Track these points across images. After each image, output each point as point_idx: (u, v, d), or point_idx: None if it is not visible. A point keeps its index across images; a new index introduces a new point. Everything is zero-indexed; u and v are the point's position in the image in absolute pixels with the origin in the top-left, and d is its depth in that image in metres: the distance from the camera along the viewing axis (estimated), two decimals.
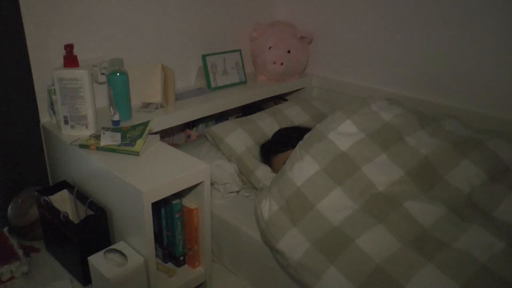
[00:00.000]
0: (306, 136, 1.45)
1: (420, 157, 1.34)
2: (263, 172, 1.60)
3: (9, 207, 1.44)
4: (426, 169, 1.32)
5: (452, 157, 1.33)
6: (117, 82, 1.50)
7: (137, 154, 1.29)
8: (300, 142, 1.43)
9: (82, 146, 1.33)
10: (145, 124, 1.37)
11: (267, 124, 1.80)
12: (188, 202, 1.35)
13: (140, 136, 1.32)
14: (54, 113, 1.47)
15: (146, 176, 1.20)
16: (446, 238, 1.12)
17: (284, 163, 1.43)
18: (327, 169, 1.31)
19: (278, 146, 1.63)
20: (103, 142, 1.32)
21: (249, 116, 1.84)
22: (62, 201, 1.41)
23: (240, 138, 1.68)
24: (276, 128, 1.80)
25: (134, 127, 1.39)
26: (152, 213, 1.17)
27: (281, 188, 1.34)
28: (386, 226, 1.17)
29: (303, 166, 1.33)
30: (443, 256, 1.07)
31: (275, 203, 1.32)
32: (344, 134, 1.38)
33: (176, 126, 1.78)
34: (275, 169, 1.61)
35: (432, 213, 1.19)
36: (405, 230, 1.15)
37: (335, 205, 1.24)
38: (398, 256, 1.09)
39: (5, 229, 1.40)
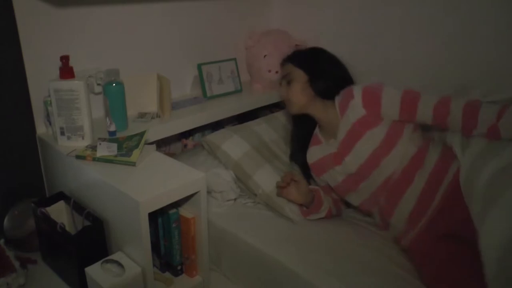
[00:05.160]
0: None
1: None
2: (261, 177, 1.61)
3: (6, 218, 1.44)
4: None
5: None
6: (113, 92, 1.50)
7: (133, 164, 1.30)
8: None
9: (79, 157, 1.33)
10: (141, 134, 1.37)
11: (263, 130, 1.81)
12: (185, 211, 1.36)
13: (136, 146, 1.33)
14: (50, 124, 1.47)
15: (142, 186, 1.20)
16: None
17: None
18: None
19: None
20: (100, 153, 1.32)
21: (244, 123, 1.85)
22: (59, 212, 1.41)
23: (236, 144, 1.68)
24: (272, 133, 1.81)
25: (130, 137, 1.39)
26: (149, 223, 1.18)
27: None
28: None
29: None
30: None
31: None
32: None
33: (172, 136, 1.78)
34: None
35: None
36: None
37: None
38: None
39: (2, 241, 1.40)
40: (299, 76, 1.53)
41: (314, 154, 1.59)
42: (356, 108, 1.41)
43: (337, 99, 1.48)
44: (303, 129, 1.66)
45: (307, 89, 1.51)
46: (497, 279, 1.02)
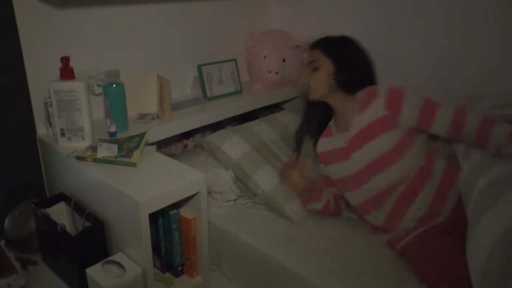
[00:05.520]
0: None
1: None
2: (261, 177, 1.61)
3: (6, 219, 1.44)
4: None
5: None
6: (113, 93, 1.50)
7: (134, 165, 1.30)
8: None
9: (79, 158, 1.33)
10: (142, 135, 1.37)
11: (263, 130, 1.81)
12: (185, 212, 1.36)
13: (136, 147, 1.33)
14: (50, 125, 1.47)
15: (143, 187, 1.21)
16: None
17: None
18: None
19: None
20: (100, 154, 1.32)
21: (244, 124, 1.85)
22: (59, 213, 1.41)
23: (236, 144, 1.69)
24: (272, 133, 1.81)
25: (130, 138, 1.39)
26: (150, 224, 1.18)
27: None
28: None
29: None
30: None
31: None
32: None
33: (172, 136, 1.78)
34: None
35: None
36: None
37: None
38: None
39: (2, 242, 1.40)
40: (327, 66, 1.48)
41: (323, 145, 1.57)
42: (377, 108, 1.39)
43: (359, 94, 1.46)
44: (317, 116, 1.63)
45: (331, 80, 1.47)
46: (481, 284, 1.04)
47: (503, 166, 1.20)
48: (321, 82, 1.48)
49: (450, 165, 1.40)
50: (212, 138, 1.73)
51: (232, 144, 1.68)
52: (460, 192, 1.30)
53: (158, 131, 1.60)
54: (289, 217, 1.52)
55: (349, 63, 1.49)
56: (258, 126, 1.82)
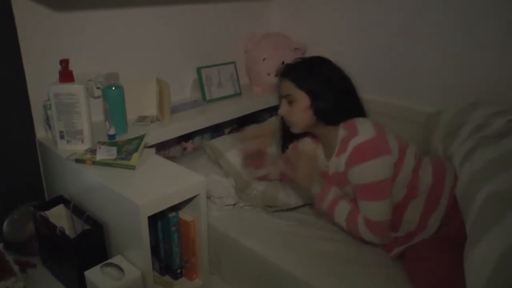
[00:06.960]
0: None
1: None
2: (260, 185, 1.62)
3: (5, 222, 1.44)
4: None
5: None
6: (112, 96, 1.51)
7: (133, 167, 1.30)
8: None
9: (78, 160, 1.33)
10: (141, 137, 1.38)
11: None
12: (184, 214, 1.36)
13: (136, 149, 1.33)
14: (50, 128, 1.47)
15: (142, 189, 1.21)
16: None
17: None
18: None
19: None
20: (99, 157, 1.32)
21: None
22: (58, 216, 1.40)
23: (239, 153, 1.68)
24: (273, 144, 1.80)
25: (130, 140, 1.39)
26: (149, 226, 1.18)
27: None
28: None
29: None
30: None
31: None
32: None
33: (172, 139, 1.79)
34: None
35: None
36: None
37: None
38: None
39: (1, 245, 1.40)
40: (302, 99, 1.38)
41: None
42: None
43: (341, 133, 1.37)
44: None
45: (310, 113, 1.39)
46: None
47: (511, 176, 1.13)
48: (299, 117, 1.41)
49: (436, 179, 1.37)
50: (217, 143, 1.73)
51: (236, 153, 1.68)
52: (458, 198, 1.26)
53: (157, 134, 1.60)
54: (283, 203, 1.55)
55: (325, 92, 1.37)
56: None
